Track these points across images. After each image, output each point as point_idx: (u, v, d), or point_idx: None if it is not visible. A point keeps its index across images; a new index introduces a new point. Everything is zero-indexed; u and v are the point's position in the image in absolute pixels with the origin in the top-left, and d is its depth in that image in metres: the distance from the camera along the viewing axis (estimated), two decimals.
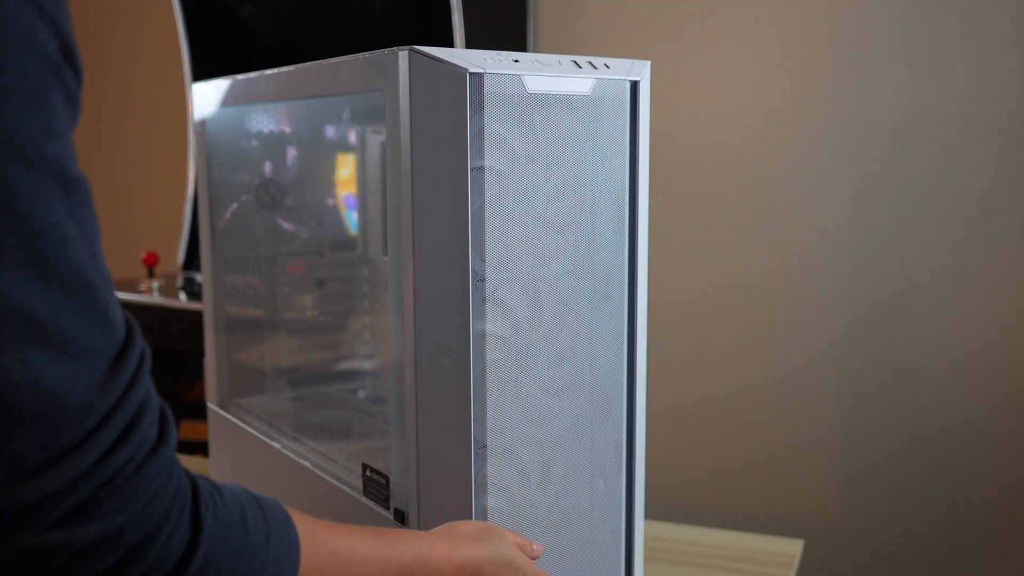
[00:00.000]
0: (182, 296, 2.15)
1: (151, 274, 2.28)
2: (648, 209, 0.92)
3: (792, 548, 1.26)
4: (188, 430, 2.22)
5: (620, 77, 0.88)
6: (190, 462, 1.50)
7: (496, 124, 0.81)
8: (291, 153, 1.29)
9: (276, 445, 1.16)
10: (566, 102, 0.84)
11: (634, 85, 0.89)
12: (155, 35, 2.64)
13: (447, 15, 1.83)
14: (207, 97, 1.26)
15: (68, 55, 0.49)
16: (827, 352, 1.88)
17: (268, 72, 1.10)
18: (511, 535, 0.82)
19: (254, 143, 1.29)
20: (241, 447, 1.25)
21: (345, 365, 1.37)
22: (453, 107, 0.80)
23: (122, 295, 2.12)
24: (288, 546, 0.60)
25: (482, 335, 0.82)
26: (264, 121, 1.27)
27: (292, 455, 1.12)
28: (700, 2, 1.92)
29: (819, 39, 1.83)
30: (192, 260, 2.38)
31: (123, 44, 2.75)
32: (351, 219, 1.33)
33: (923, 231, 1.79)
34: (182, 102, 2.50)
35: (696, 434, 2.01)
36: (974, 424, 1.79)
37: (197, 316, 1.42)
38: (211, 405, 1.33)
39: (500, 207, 0.82)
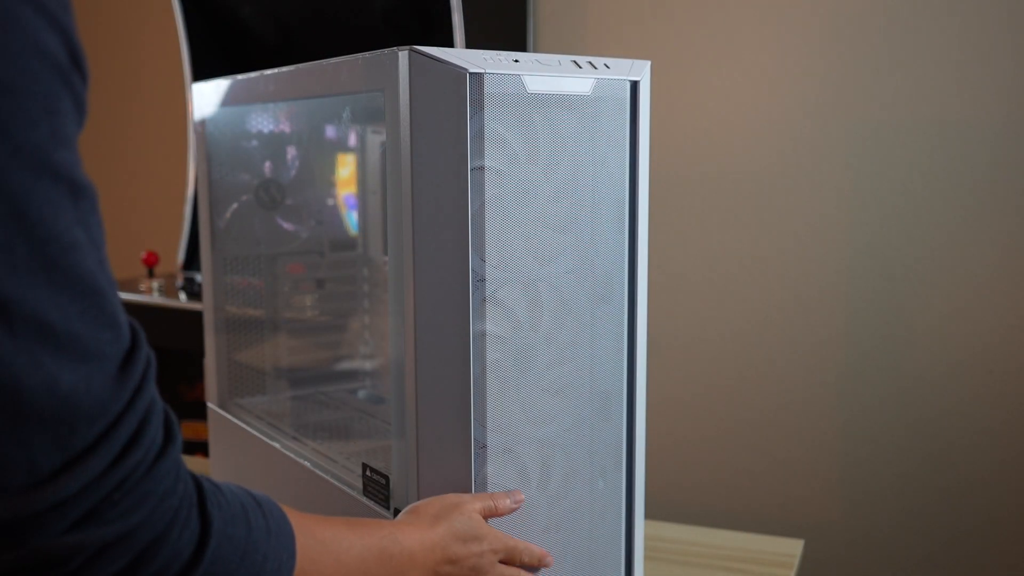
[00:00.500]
0: (182, 296, 2.15)
1: (151, 274, 2.28)
2: (648, 209, 0.92)
3: (792, 548, 1.26)
4: (188, 430, 2.22)
5: (620, 77, 0.88)
6: (190, 462, 1.50)
7: (496, 124, 0.81)
8: (291, 153, 1.29)
9: (276, 445, 1.16)
10: (566, 102, 0.84)
11: (634, 85, 0.89)
12: (155, 35, 2.65)
13: (447, 15, 1.83)
14: (207, 97, 1.26)
15: (77, 62, 0.49)
16: (827, 352, 1.88)
17: (268, 72, 1.10)
18: (476, 503, 0.82)
19: (254, 143, 1.29)
20: (241, 447, 1.25)
21: (345, 365, 1.37)
22: (453, 107, 0.80)
23: (122, 295, 2.10)
24: (286, 540, 0.62)
25: (482, 335, 0.82)
26: (264, 121, 1.27)
27: (292, 455, 1.12)
28: (700, 2, 1.92)
29: (819, 39, 1.83)
30: (192, 260, 2.38)
31: (123, 44, 2.75)
32: (351, 219, 1.33)
33: (920, 230, 1.79)
34: (182, 102, 2.50)
35: (696, 434, 2.01)
36: (974, 422, 1.79)
37: (197, 316, 1.42)
38: (211, 405, 1.33)
39: (500, 207, 0.82)
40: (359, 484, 0.99)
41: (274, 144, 1.28)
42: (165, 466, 0.52)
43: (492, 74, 0.80)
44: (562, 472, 0.89)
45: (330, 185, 1.34)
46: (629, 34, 1.99)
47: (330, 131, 1.30)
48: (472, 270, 0.81)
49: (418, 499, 0.87)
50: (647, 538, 1.02)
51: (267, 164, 1.29)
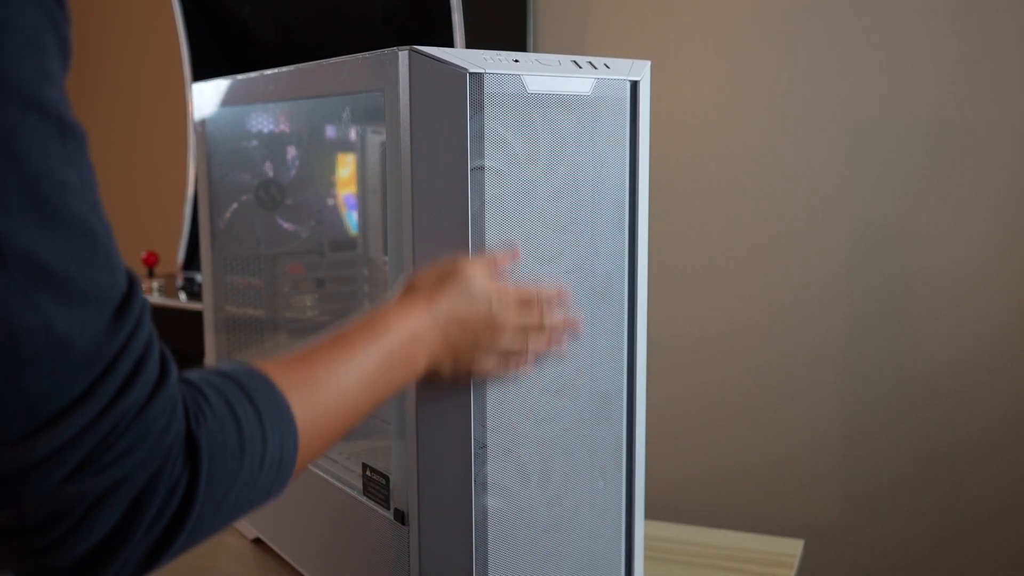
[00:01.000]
0: (182, 296, 2.15)
1: (151, 274, 2.28)
2: (648, 209, 0.92)
3: (792, 548, 1.26)
4: None
5: (620, 77, 0.88)
6: None
7: (496, 124, 0.81)
8: (291, 153, 1.29)
9: None
10: (566, 102, 0.84)
11: (634, 85, 0.89)
12: (155, 35, 2.65)
13: (447, 15, 1.83)
14: (207, 97, 1.26)
15: (59, 0, 0.48)
16: (826, 352, 1.88)
17: (268, 72, 1.10)
18: (475, 262, 0.80)
19: (254, 143, 1.29)
20: None
21: None
22: (453, 107, 0.80)
23: None
24: (280, 412, 0.60)
25: None
26: (264, 121, 1.27)
27: None
28: (700, 2, 1.92)
29: (819, 39, 1.83)
30: (192, 260, 2.38)
31: (123, 44, 2.75)
32: (351, 219, 1.33)
33: (920, 230, 1.79)
34: (182, 102, 2.50)
35: (696, 433, 2.01)
36: (974, 422, 1.79)
37: (197, 316, 1.42)
38: None
39: (500, 207, 0.82)
40: (359, 484, 0.99)
41: (274, 144, 1.28)
42: (160, 404, 0.51)
43: (492, 74, 0.80)
44: (562, 472, 0.89)
45: (330, 185, 1.34)
46: (629, 34, 1.99)
47: (330, 131, 1.30)
48: None
49: (418, 499, 0.87)
50: (647, 538, 1.02)
51: (267, 164, 1.29)
